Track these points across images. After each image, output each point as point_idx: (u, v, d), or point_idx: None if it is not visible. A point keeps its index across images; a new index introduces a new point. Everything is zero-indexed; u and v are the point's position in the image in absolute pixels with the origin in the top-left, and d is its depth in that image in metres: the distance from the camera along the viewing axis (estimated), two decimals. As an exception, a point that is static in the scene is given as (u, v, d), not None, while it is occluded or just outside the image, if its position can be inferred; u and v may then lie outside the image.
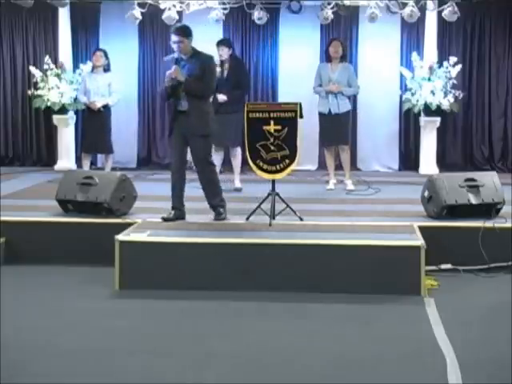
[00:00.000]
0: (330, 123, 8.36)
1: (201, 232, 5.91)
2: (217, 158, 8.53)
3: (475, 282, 5.72)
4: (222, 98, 8.15)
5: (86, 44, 10.83)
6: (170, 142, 6.47)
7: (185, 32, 6.27)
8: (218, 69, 7.98)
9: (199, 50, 6.35)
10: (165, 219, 6.30)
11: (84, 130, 9.59)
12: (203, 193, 6.52)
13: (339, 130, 8.35)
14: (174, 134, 6.33)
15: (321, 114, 8.49)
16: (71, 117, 10.38)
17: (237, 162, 8.47)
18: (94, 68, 9.33)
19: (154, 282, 5.49)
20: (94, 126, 9.12)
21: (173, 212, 6.37)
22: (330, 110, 8.35)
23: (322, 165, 10.27)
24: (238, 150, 8.33)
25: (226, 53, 8.33)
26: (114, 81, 9.24)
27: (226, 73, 8.29)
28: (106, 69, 9.26)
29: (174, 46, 6.25)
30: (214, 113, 8.24)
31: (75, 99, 9.99)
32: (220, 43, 8.49)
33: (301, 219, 6.34)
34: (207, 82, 6.31)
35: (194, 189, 8.44)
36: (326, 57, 8.55)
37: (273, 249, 5.54)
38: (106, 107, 9.15)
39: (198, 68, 6.23)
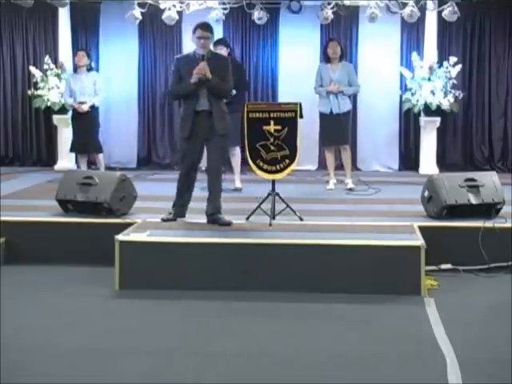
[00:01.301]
0: (331, 123, 8.36)
1: (201, 232, 5.90)
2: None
3: (475, 282, 5.72)
4: None
5: (86, 44, 10.80)
6: (183, 142, 6.15)
7: (211, 30, 6.16)
8: None
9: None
10: (164, 220, 6.27)
11: (72, 131, 9.56)
12: (209, 194, 6.30)
13: (340, 129, 8.34)
14: (191, 136, 6.08)
15: (322, 114, 8.50)
16: (71, 117, 10.37)
17: (236, 161, 8.47)
18: (76, 68, 9.31)
19: (154, 281, 5.49)
20: (82, 127, 9.11)
21: (172, 211, 6.30)
22: (331, 110, 8.35)
23: (322, 165, 10.27)
24: (237, 150, 8.32)
25: (224, 52, 8.31)
26: (98, 80, 9.24)
27: None
28: (89, 68, 9.26)
29: (200, 42, 6.05)
30: None
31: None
32: (218, 42, 8.48)
33: (301, 219, 6.34)
34: (229, 82, 6.23)
35: (195, 189, 8.46)
36: (325, 58, 8.55)
37: (273, 249, 5.54)
38: (93, 107, 9.14)
39: (220, 67, 6.12)
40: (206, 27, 6.14)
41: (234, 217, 6.46)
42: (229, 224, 6.11)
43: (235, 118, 7.84)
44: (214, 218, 6.18)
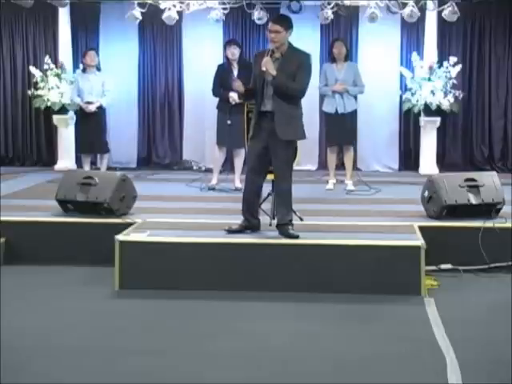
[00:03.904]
0: (337, 123, 8.32)
1: (201, 232, 5.90)
2: (220, 156, 8.56)
3: (475, 282, 5.72)
4: (233, 99, 8.08)
5: (85, 44, 10.79)
6: (249, 143, 5.80)
7: (283, 23, 5.60)
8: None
9: (296, 47, 5.71)
10: (229, 231, 5.79)
11: (79, 131, 9.55)
12: (275, 206, 5.94)
13: (345, 129, 8.29)
14: (254, 136, 5.69)
15: (327, 114, 8.47)
16: (71, 117, 10.36)
17: (240, 162, 8.45)
18: (86, 68, 9.30)
19: (154, 281, 5.48)
20: (89, 127, 9.11)
21: (240, 222, 5.79)
22: (336, 110, 8.32)
23: (322, 165, 10.27)
24: (243, 151, 8.30)
25: (238, 52, 8.36)
26: (107, 81, 9.24)
27: (235, 73, 8.28)
28: (98, 68, 9.26)
29: (270, 36, 5.57)
30: (228, 113, 8.22)
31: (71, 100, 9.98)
32: (232, 43, 8.51)
33: (301, 219, 6.33)
34: (300, 81, 5.60)
35: (195, 189, 8.48)
36: (331, 58, 8.53)
37: (273, 249, 5.54)
38: (101, 107, 9.15)
39: (292, 64, 5.57)
40: (275, 20, 5.67)
41: (234, 217, 6.44)
42: (296, 237, 5.62)
43: (242, 120, 7.79)
44: (282, 229, 5.70)
